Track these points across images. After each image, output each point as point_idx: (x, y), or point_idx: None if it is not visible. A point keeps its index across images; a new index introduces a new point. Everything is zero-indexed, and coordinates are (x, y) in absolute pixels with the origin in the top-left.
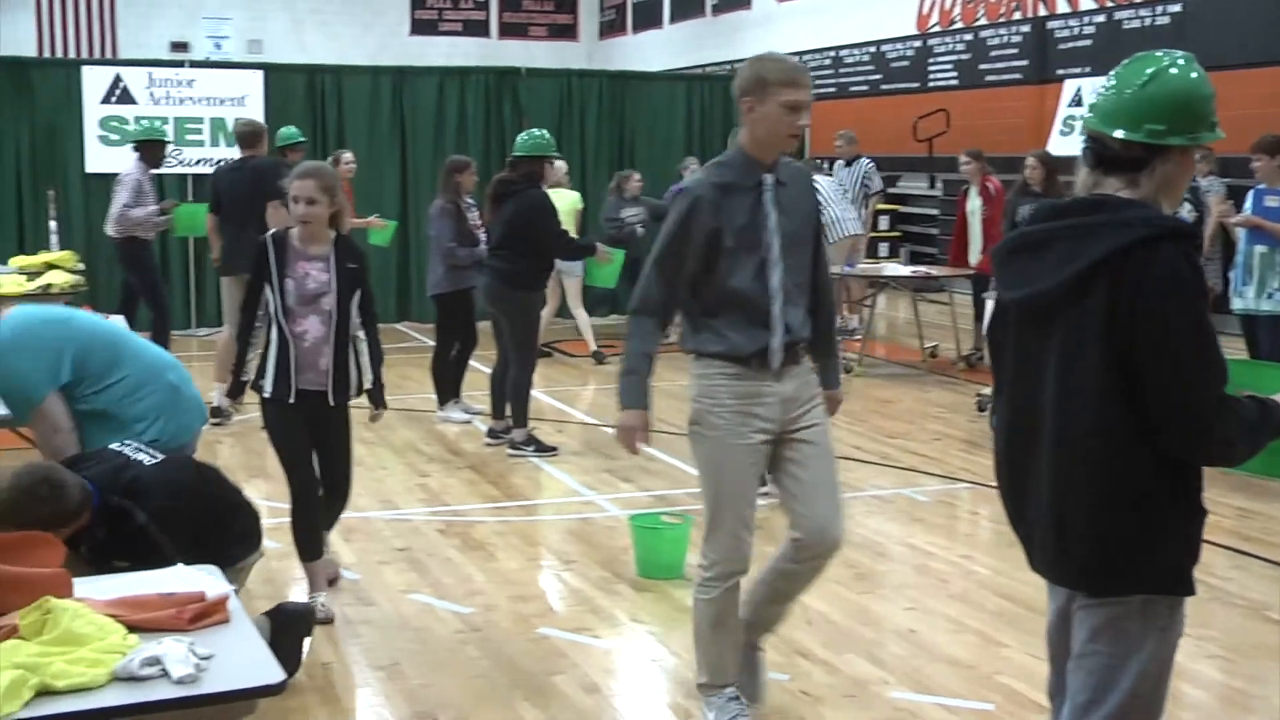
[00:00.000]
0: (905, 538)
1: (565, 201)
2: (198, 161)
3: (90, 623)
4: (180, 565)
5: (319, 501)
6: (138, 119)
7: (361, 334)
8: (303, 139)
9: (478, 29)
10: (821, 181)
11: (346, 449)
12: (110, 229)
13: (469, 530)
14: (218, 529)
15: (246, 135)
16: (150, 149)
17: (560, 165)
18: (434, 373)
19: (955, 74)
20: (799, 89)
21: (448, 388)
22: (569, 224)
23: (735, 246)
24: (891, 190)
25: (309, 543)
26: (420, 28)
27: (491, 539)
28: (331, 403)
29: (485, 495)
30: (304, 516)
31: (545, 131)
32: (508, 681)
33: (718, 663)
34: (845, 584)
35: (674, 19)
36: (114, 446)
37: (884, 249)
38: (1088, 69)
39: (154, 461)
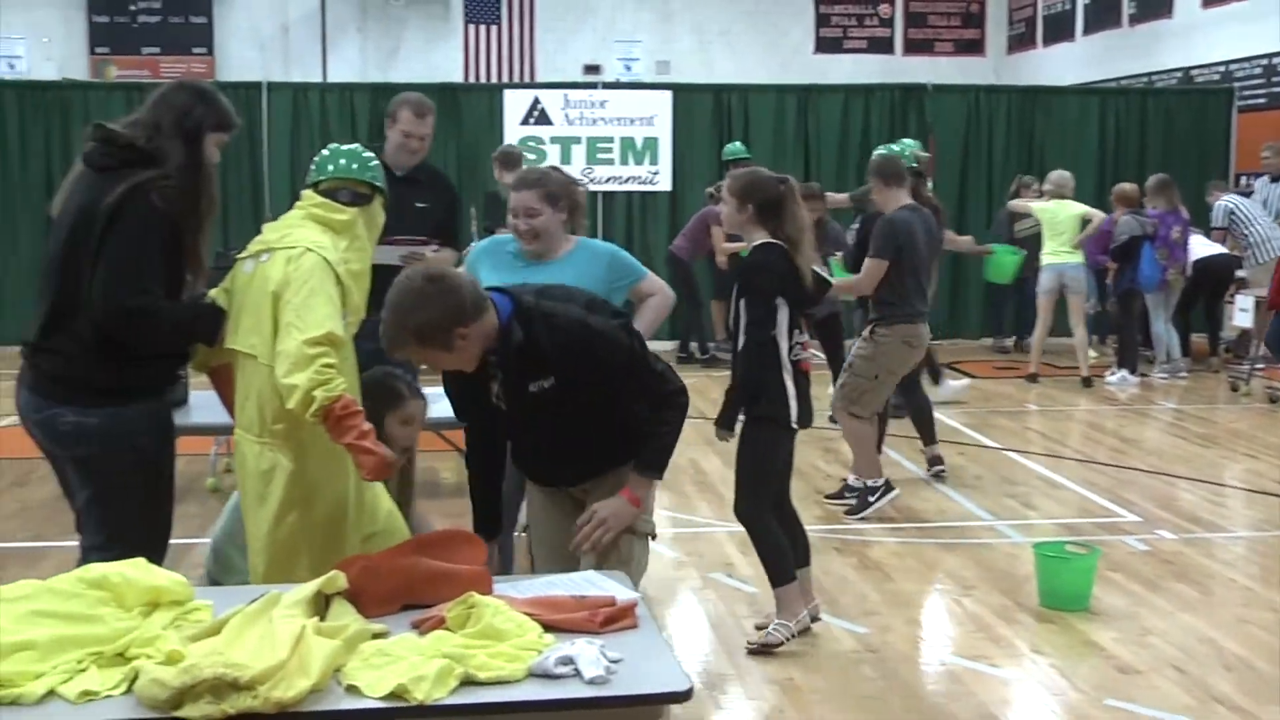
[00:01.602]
0: None
1: (1070, 212)
2: (608, 180)
3: (510, 619)
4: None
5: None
6: (553, 139)
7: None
8: (748, 154)
9: (882, 46)
10: (1237, 201)
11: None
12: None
13: (865, 550)
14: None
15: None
16: None
17: (1067, 175)
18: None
19: None
20: None
21: None
22: (1074, 234)
23: None
24: None
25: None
26: (824, 46)
27: (889, 560)
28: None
29: (882, 515)
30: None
31: (891, 147)
32: (902, 705)
33: None
34: (1269, 629)
35: (1087, 30)
36: None
37: None
38: None
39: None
